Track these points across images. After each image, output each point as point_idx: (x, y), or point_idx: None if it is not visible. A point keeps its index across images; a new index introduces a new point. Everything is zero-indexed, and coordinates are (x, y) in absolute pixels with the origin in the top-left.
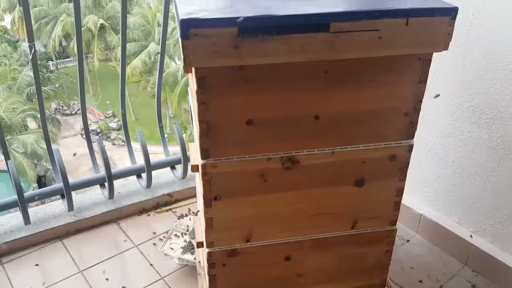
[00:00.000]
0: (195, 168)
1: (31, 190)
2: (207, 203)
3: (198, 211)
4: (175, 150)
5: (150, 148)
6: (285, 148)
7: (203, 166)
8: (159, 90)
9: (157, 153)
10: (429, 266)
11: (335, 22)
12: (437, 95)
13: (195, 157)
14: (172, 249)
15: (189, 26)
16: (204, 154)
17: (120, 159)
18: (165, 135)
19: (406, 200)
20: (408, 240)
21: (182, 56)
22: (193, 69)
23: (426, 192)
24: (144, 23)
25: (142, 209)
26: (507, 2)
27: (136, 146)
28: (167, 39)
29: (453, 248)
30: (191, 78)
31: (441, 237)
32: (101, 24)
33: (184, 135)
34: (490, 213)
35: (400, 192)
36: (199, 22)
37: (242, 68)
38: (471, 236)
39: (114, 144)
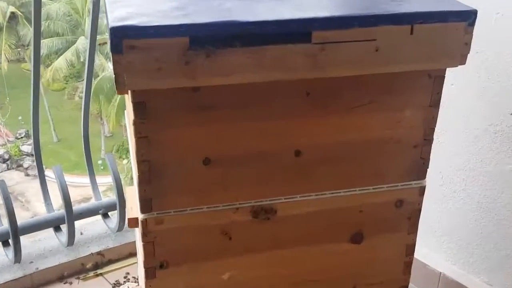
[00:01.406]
0: (133, 223)
1: None
2: (149, 273)
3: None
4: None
5: (78, 180)
6: (256, 194)
7: (144, 222)
8: (87, 101)
9: (86, 186)
10: None
11: (318, 31)
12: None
13: (134, 207)
14: None
15: (122, 36)
16: (146, 206)
17: (36, 195)
18: (99, 162)
19: (419, 253)
20: None
21: (113, 75)
22: (129, 91)
23: (446, 243)
24: (71, 12)
25: (62, 275)
26: None
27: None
28: (101, 32)
29: None
30: (128, 101)
31: None
32: (12, 12)
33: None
34: None
35: (411, 249)
36: (136, 30)
37: (195, 90)
38: None
39: (28, 175)
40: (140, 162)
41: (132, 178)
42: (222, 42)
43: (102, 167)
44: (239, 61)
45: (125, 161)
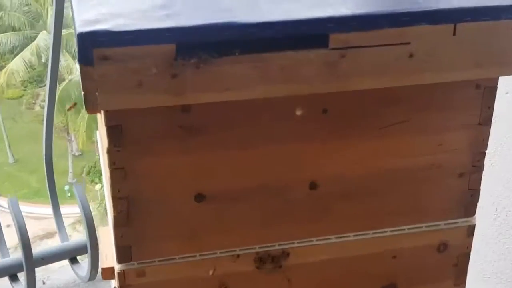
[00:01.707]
0: (108, 274)
1: None
2: None
3: None
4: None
5: (40, 211)
6: (261, 238)
7: (122, 274)
8: (50, 112)
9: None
10: None
11: (337, 33)
12: None
13: (109, 255)
14: None
15: (92, 44)
16: (124, 254)
17: None
18: (66, 187)
19: None
20: None
21: (81, 92)
22: (100, 115)
23: None
24: (30, 1)
25: None
26: None
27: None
28: (67, 25)
29: None
30: (100, 122)
31: None
32: None
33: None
34: None
35: None
36: (110, 36)
37: (185, 109)
38: None
39: None
40: (115, 199)
41: (105, 209)
42: (218, 49)
43: (69, 194)
44: (239, 73)
45: (98, 186)
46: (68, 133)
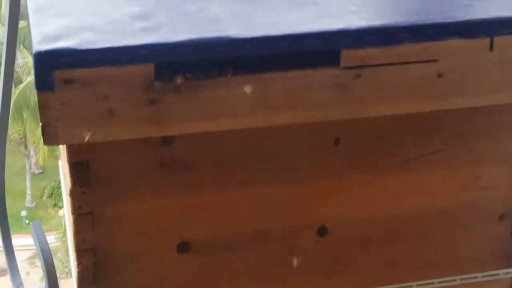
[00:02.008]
0: None
1: None
2: None
3: None
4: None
5: None
6: None
7: None
8: (4, 121)
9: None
10: None
11: (350, 49)
12: None
13: None
14: None
15: (52, 65)
16: None
17: None
18: (23, 213)
19: None
20: None
21: (39, 122)
22: (63, 147)
23: None
24: None
25: None
26: None
27: None
28: (23, 15)
29: None
30: (62, 156)
31: None
32: None
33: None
34: None
35: None
36: (75, 56)
37: (166, 142)
38: None
39: None
40: (80, 251)
41: None
42: (206, 69)
43: (27, 221)
44: (232, 97)
45: (62, 212)
46: (26, 146)
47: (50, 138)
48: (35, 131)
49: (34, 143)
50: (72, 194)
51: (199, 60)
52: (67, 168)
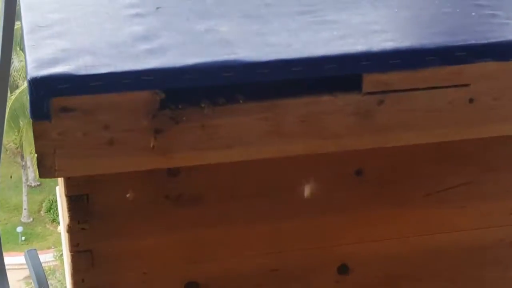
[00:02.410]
0: None
1: None
2: None
3: None
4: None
5: None
6: None
7: None
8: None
9: None
10: None
11: (373, 73)
12: None
13: None
14: None
15: (49, 92)
16: None
17: None
18: (19, 229)
19: None
20: None
21: (34, 153)
22: (61, 179)
23: None
24: None
25: None
26: None
27: None
28: (19, 16)
29: None
30: (60, 188)
31: None
32: None
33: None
34: None
35: None
36: (74, 82)
37: (172, 174)
38: None
39: None
40: None
41: None
42: (216, 95)
43: (23, 238)
44: (244, 126)
45: (60, 228)
46: (22, 157)
47: (46, 170)
48: (32, 140)
49: (31, 153)
50: (70, 230)
51: (208, 86)
52: (64, 201)
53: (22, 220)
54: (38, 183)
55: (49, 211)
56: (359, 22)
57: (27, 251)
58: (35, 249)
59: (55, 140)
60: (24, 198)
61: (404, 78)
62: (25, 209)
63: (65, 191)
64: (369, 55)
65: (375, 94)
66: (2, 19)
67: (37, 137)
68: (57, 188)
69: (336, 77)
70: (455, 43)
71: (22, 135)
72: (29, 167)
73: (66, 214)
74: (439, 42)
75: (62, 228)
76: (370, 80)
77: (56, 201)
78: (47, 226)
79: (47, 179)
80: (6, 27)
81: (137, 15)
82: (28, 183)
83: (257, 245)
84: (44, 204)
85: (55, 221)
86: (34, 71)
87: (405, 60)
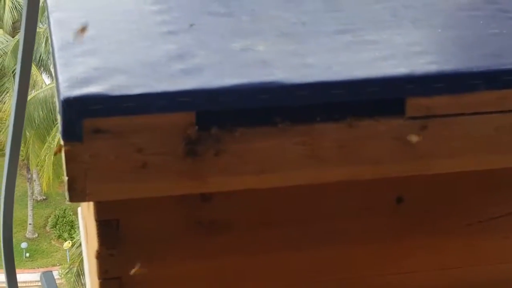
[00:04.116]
0: None
1: None
2: None
3: None
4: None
5: None
6: None
7: None
8: (15, 143)
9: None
10: None
11: (416, 97)
12: None
13: None
14: None
15: (81, 113)
16: None
17: None
18: (23, 245)
19: None
20: None
21: (65, 176)
22: (90, 204)
23: None
24: None
25: None
26: None
27: None
28: (38, 22)
29: None
30: (86, 211)
31: None
32: None
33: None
34: None
35: None
36: (107, 103)
37: (205, 199)
38: None
39: None
40: None
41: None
42: (252, 118)
43: (27, 255)
44: (280, 150)
45: (67, 244)
46: (28, 169)
47: (76, 194)
48: (39, 152)
49: (37, 165)
50: (99, 256)
51: (245, 108)
52: (93, 227)
53: (27, 236)
54: (44, 197)
55: (55, 227)
56: (400, 43)
57: (43, 273)
58: (51, 271)
59: (87, 162)
60: (29, 212)
61: (448, 103)
62: (30, 224)
63: (94, 216)
64: (413, 78)
65: (417, 119)
66: (24, 25)
67: (68, 159)
68: (79, 209)
69: (377, 101)
70: (502, 66)
71: (28, 147)
72: (35, 180)
73: (95, 239)
74: (485, 65)
75: (84, 251)
76: (413, 104)
77: (62, 217)
78: (53, 242)
79: (53, 193)
80: (27, 31)
81: (170, 32)
82: (33, 197)
83: (290, 275)
84: (49, 220)
85: (60, 237)
86: (67, 91)
87: (449, 84)
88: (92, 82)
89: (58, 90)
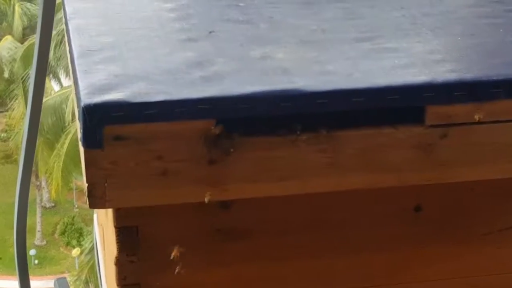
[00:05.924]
0: None
1: None
2: None
3: None
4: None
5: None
6: None
7: None
8: (29, 153)
9: None
10: None
11: (437, 105)
12: None
13: None
14: None
15: (102, 120)
16: None
17: None
18: (32, 252)
19: None
20: None
21: (84, 183)
22: (109, 210)
23: None
24: None
25: None
26: None
27: None
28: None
29: None
30: (104, 218)
31: None
32: None
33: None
34: None
35: None
36: (127, 110)
37: (225, 206)
38: None
39: None
40: None
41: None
42: (272, 126)
43: (36, 261)
44: (300, 158)
45: (76, 251)
46: (37, 176)
47: (96, 200)
48: (48, 159)
49: (46, 173)
50: (118, 262)
51: (266, 116)
52: (112, 233)
53: (35, 243)
54: (53, 205)
55: (64, 234)
56: (420, 51)
57: (57, 280)
58: (65, 278)
59: (107, 169)
60: (38, 219)
61: (468, 111)
62: (38, 231)
63: (114, 222)
64: (433, 86)
65: (438, 127)
66: (39, 31)
67: (88, 165)
68: (95, 216)
69: (398, 109)
70: None
71: (37, 154)
72: (43, 187)
73: (114, 245)
74: (505, 73)
75: (101, 258)
76: (434, 113)
77: (70, 224)
78: (61, 249)
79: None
80: (43, 35)
81: (189, 39)
82: (42, 204)
83: (307, 282)
84: (58, 227)
85: (69, 244)
86: (88, 98)
87: (470, 92)
88: (112, 89)
89: (78, 97)
